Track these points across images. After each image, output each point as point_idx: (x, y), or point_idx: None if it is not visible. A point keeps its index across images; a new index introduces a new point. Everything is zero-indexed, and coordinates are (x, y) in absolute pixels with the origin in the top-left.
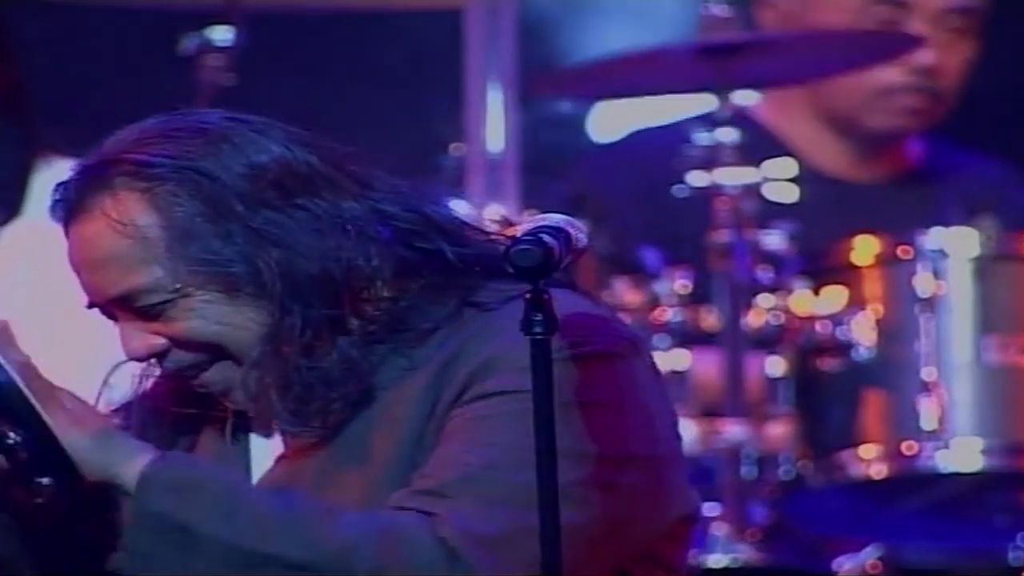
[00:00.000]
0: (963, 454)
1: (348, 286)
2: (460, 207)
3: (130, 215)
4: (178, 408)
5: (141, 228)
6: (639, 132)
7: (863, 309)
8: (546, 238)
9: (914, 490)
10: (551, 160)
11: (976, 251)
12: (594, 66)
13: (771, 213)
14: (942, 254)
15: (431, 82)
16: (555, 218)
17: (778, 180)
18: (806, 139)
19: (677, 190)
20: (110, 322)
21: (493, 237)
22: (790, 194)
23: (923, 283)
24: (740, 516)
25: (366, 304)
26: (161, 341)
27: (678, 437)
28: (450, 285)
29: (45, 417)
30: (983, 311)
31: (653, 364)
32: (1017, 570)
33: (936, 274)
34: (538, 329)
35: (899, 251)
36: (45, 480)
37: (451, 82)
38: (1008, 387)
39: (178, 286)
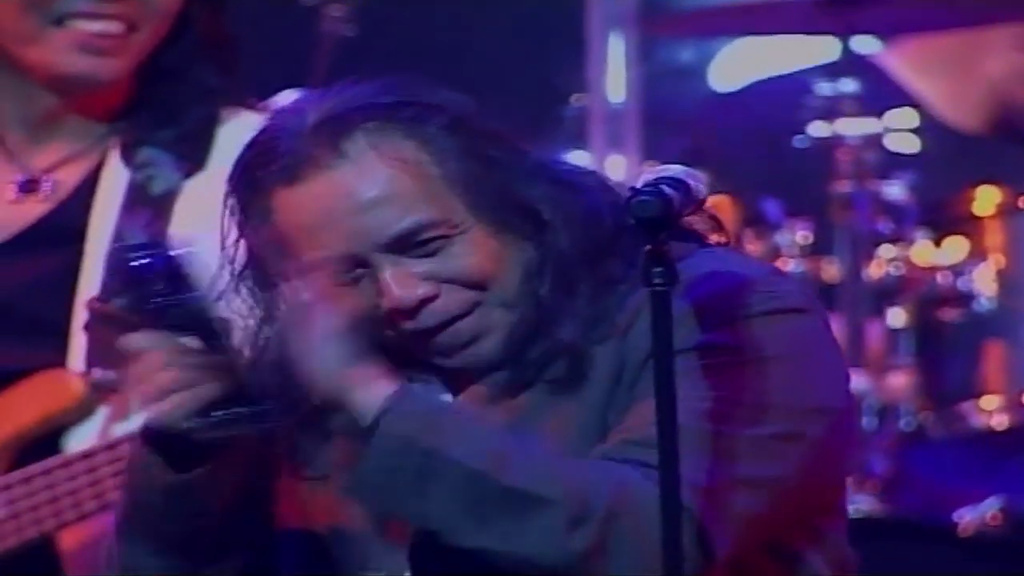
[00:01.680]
0: None
1: (585, 235)
2: (581, 158)
3: (402, 154)
4: None
5: (417, 165)
6: (760, 82)
7: (984, 260)
8: (666, 189)
9: None
10: (672, 111)
11: None
12: (715, 9)
13: (892, 164)
14: None
15: (553, 33)
16: (675, 169)
17: (900, 130)
18: (935, 92)
19: (798, 140)
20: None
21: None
22: (912, 144)
23: None
24: (861, 467)
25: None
26: (431, 288)
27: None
28: (616, 243)
29: (234, 356)
30: None
31: (828, 319)
32: None
33: None
34: (658, 280)
35: (1020, 201)
36: (263, 407)
37: (573, 33)
38: None
39: (457, 222)
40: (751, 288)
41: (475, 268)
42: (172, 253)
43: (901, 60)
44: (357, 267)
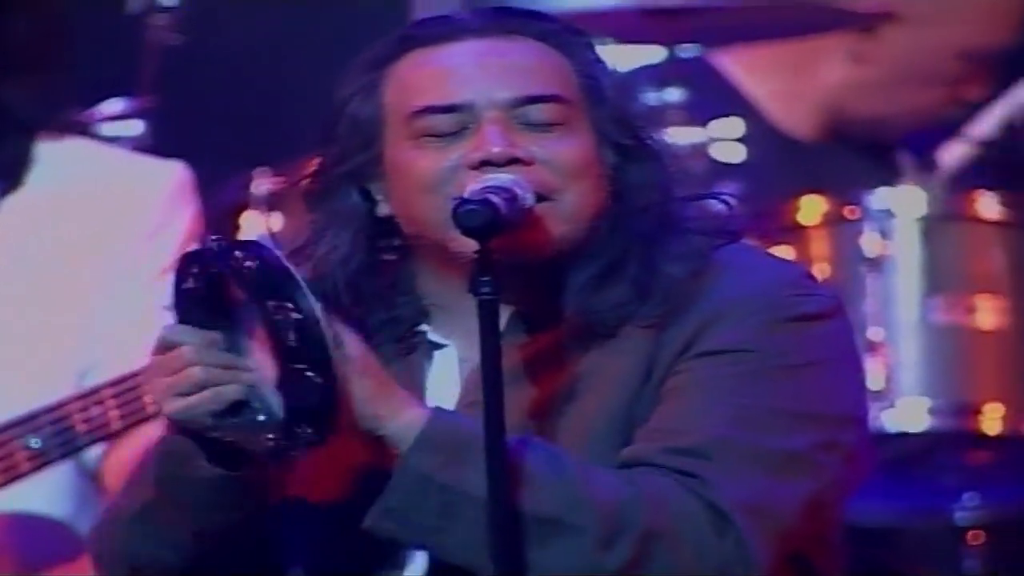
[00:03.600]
0: (909, 414)
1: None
2: None
3: (553, 52)
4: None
5: (563, 64)
6: None
7: (809, 269)
8: (492, 198)
9: None
10: None
11: (923, 211)
12: None
13: (718, 173)
14: (889, 214)
15: (379, 34)
16: (502, 178)
17: (725, 140)
18: (768, 95)
19: None
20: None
21: None
22: (737, 154)
23: (870, 243)
24: None
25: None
26: (527, 155)
27: None
28: (676, 226)
29: (340, 367)
30: (929, 271)
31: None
32: (963, 529)
33: (883, 234)
34: (485, 290)
35: (846, 211)
36: (306, 431)
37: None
38: (954, 347)
39: (578, 117)
40: (782, 290)
41: (574, 159)
42: (276, 254)
43: (735, 63)
44: (464, 124)
